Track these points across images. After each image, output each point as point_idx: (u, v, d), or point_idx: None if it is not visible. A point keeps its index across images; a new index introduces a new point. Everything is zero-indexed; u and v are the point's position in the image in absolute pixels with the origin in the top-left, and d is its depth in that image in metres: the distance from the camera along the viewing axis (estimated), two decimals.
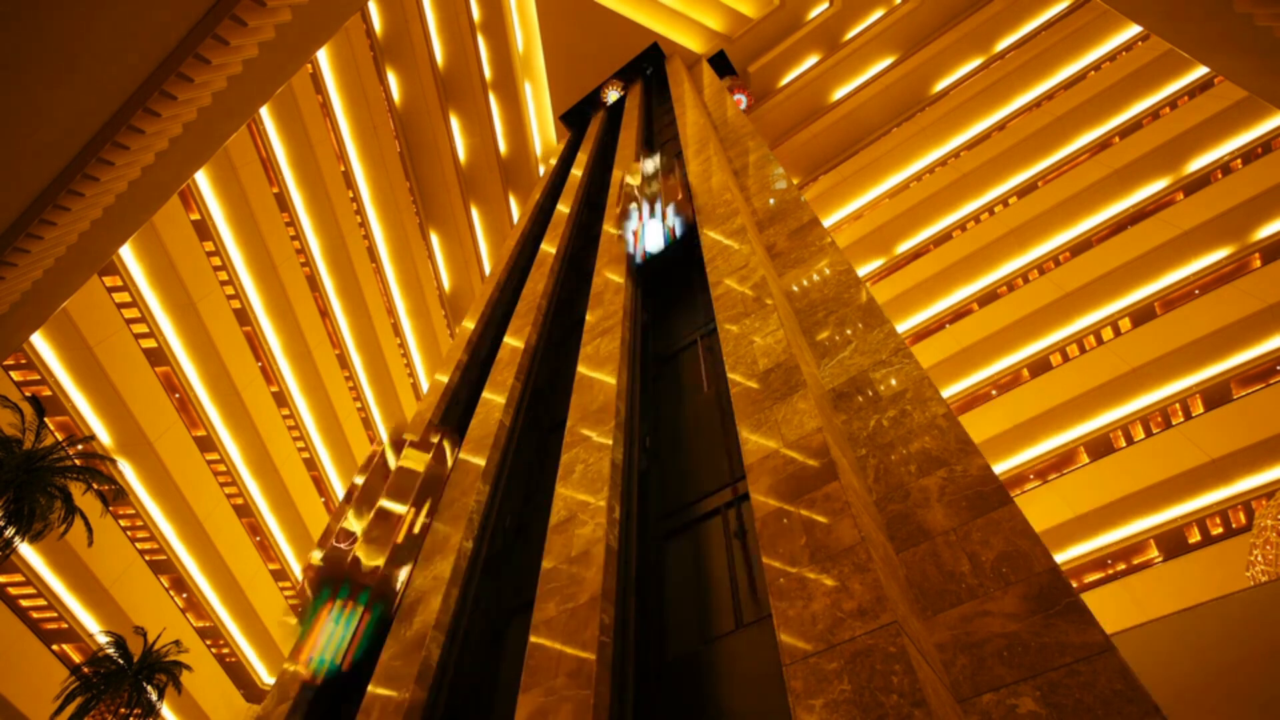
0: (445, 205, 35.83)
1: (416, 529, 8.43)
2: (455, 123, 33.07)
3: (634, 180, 12.99)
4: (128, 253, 24.13)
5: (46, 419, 20.23)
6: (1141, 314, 21.35)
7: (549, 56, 31.48)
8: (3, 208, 10.93)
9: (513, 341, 12.79)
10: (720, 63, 31.66)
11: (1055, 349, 22.53)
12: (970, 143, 27.87)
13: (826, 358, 6.90)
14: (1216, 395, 19.31)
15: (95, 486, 19.72)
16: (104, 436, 24.76)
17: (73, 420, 23.88)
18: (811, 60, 31.78)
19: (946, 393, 23.68)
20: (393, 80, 32.32)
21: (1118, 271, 21.58)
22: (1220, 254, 20.56)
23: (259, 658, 31.98)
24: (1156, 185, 22.61)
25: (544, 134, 33.89)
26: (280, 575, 33.19)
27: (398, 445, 9.86)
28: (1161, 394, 19.82)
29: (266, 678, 32.16)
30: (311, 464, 34.15)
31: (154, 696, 22.61)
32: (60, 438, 21.77)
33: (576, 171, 23.12)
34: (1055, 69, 26.52)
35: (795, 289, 8.48)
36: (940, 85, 29.76)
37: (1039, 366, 22.67)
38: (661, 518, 6.93)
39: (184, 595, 28.86)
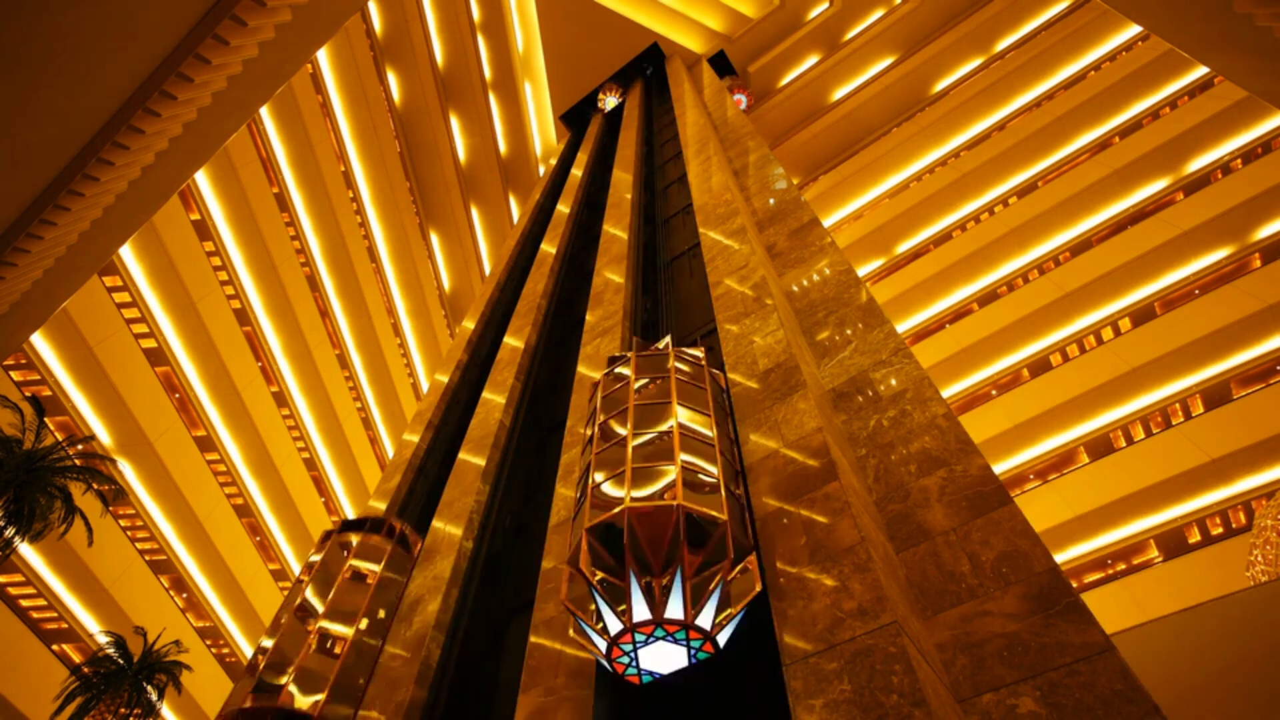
0: (445, 205, 35.82)
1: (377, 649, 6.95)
2: (455, 123, 33.07)
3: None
4: (128, 253, 24.14)
5: (46, 419, 20.23)
6: (1141, 314, 21.34)
7: (549, 56, 31.46)
8: (3, 208, 10.93)
9: (513, 341, 12.78)
10: (720, 63, 31.66)
11: (1055, 349, 22.52)
12: (970, 143, 27.86)
13: (826, 358, 6.90)
14: (1216, 395, 19.31)
15: (95, 486, 19.72)
16: (104, 436, 24.76)
17: (73, 420, 23.88)
18: (811, 60, 31.77)
19: (946, 393, 23.68)
20: (393, 80, 32.32)
21: (1118, 271, 21.58)
22: (1220, 254, 20.56)
23: None
24: (1156, 185, 22.61)
25: (544, 134, 33.88)
26: (280, 575, 33.18)
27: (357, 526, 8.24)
28: (1161, 394, 19.81)
29: None
30: (311, 464, 34.15)
31: (154, 696, 22.60)
32: (60, 438, 21.76)
33: (576, 171, 23.12)
34: (1055, 69, 26.52)
35: (795, 289, 8.47)
36: (940, 85, 29.76)
37: (1039, 366, 22.67)
38: None
39: (184, 595, 28.87)
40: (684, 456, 4.61)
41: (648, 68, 31.40)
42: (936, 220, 27.21)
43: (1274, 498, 13.62)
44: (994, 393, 23.10)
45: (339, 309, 34.13)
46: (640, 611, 3.98)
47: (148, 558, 27.06)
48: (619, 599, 4.06)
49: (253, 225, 28.13)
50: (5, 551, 18.15)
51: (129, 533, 26.42)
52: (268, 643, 5.05)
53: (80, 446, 21.01)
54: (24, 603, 23.83)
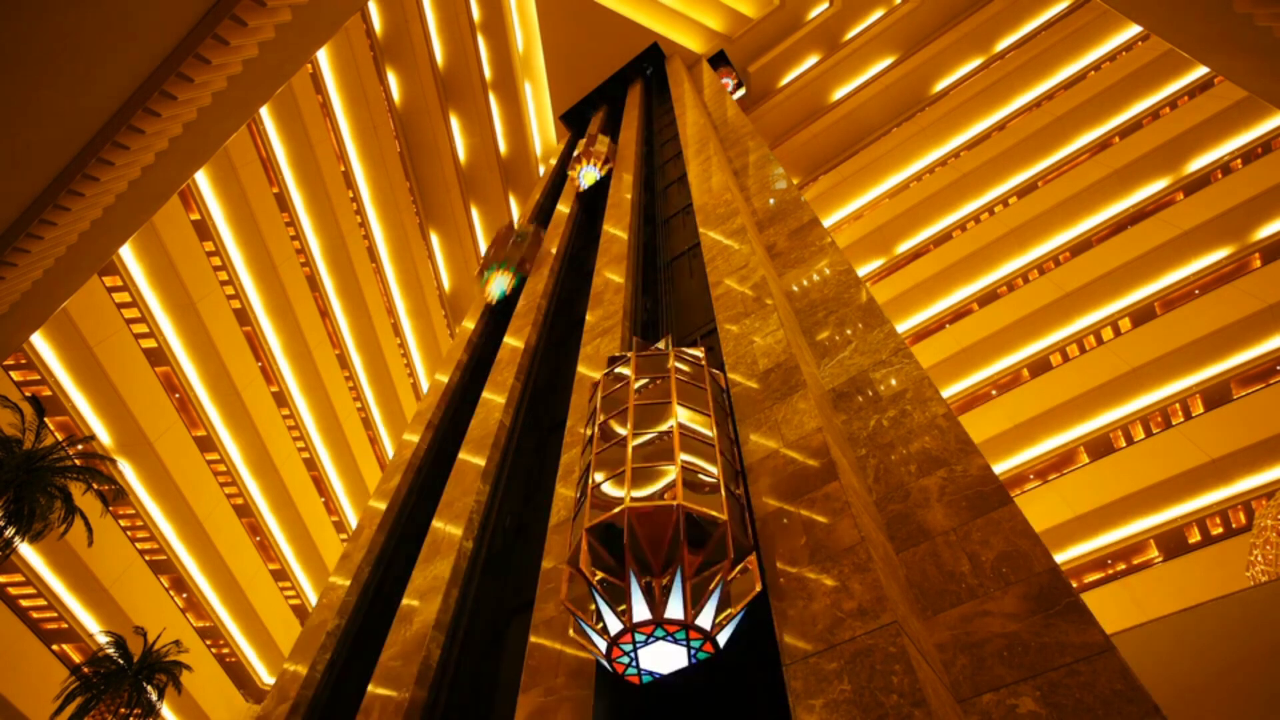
0: (445, 205, 35.82)
1: None
2: (455, 123, 33.06)
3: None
4: (128, 253, 24.14)
5: (46, 419, 20.23)
6: (1141, 314, 21.35)
7: (549, 56, 31.45)
8: (3, 208, 10.93)
9: (513, 341, 12.79)
10: (720, 63, 31.65)
11: (1055, 349, 22.53)
12: (970, 143, 27.87)
13: (826, 358, 6.90)
14: (1216, 395, 19.31)
15: (95, 486, 19.72)
16: (104, 436, 24.76)
17: (73, 420, 23.88)
18: (811, 60, 31.78)
19: (946, 393, 23.68)
20: (393, 80, 32.32)
21: (1118, 271, 21.58)
22: (1220, 254, 20.56)
23: (259, 658, 31.98)
24: (1156, 185, 22.61)
25: (544, 134, 33.87)
26: (280, 575, 33.19)
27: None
28: (1161, 394, 19.82)
29: (266, 678, 32.16)
30: (311, 464, 34.15)
31: (154, 696, 22.61)
32: (60, 438, 21.76)
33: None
34: (1055, 69, 26.52)
35: (795, 289, 8.47)
36: (940, 85, 29.76)
37: (1039, 366, 22.67)
38: None
39: (184, 595, 28.87)
40: (684, 456, 4.58)
41: (648, 68, 31.40)
42: (936, 220, 27.21)
43: (1274, 498, 13.63)
44: (994, 393, 23.11)
45: (339, 309, 34.13)
46: (640, 612, 3.98)
47: (148, 558, 27.06)
48: (619, 599, 4.06)
49: (253, 225, 28.14)
50: (5, 551, 18.16)
51: (129, 533, 26.43)
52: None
53: (80, 446, 21.01)
54: (24, 603, 23.84)
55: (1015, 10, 27.89)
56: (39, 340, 22.55)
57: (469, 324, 16.41)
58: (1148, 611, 16.61)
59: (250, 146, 27.51)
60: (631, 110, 25.29)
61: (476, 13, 29.87)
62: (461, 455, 10.05)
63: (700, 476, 4.51)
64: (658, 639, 4.05)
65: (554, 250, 16.47)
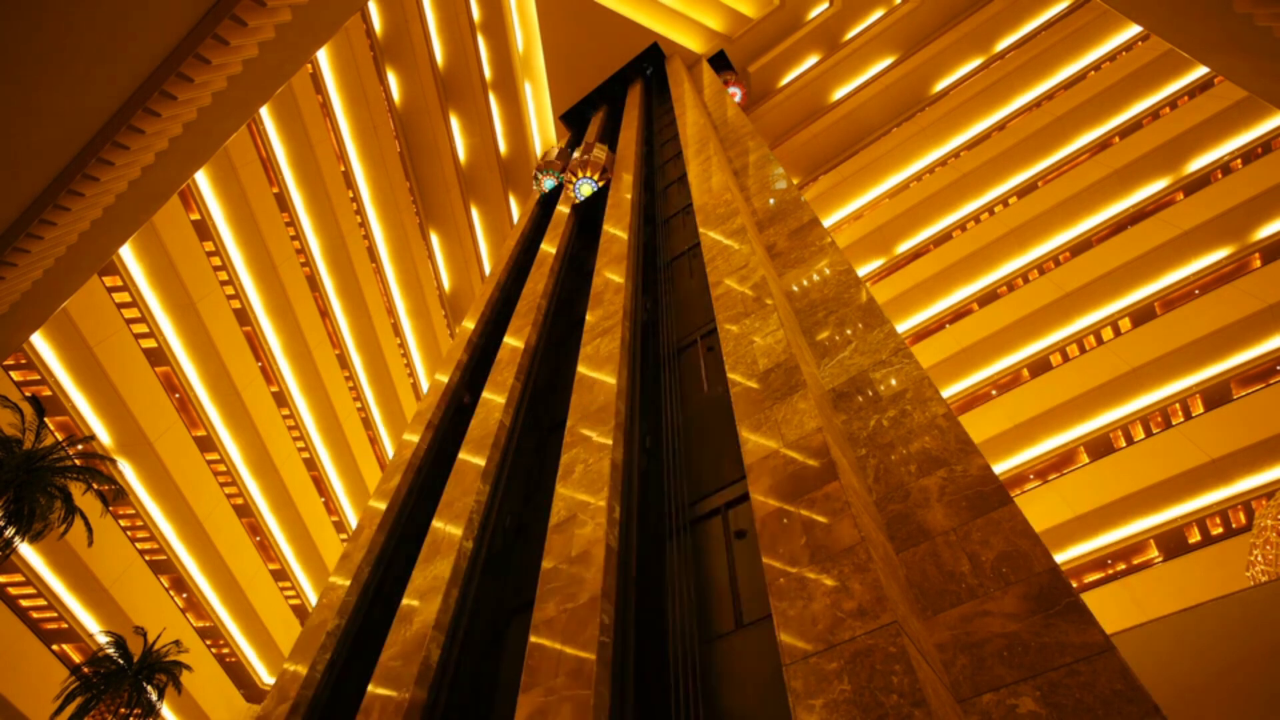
0: (445, 205, 35.82)
1: None
2: (455, 123, 33.06)
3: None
4: (128, 253, 24.14)
5: (46, 419, 20.23)
6: (1141, 314, 21.34)
7: (549, 56, 31.46)
8: (3, 207, 10.93)
9: (513, 341, 12.79)
10: (720, 63, 31.65)
11: (1055, 349, 22.52)
12: (970, 143, 27.86)
13: (826, 358, 6.90)
14: (1216, 395, 19.31)
15: (95, 486, 19.73)
16: (104, 436, 24.76)
17: (73, 420, 23.88)
18: (811, 60, 31.77)
19: (946, 393, 23.68)
20: (393, 80, 32.32)
21: (1118, 271, 21.58)
22: (1220, 254, 20.56)
23: (259, 658, 31.99)
24: (1156, 185, 22.61)
25: (544, 134, 33.88)
26: (280, 575, 33.19)
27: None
28: (1161, 394, 19.82)
29: (266, 678, 32.17)
30: (311, 464, 34.16)
31: (154, 696, 22.63)
32: (60, 438, 21.77)
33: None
34: (1055, 69, 26.52)
35: (795, 289, 8.47)
36: (940, 85, 29.76)
37: (1039, 366, 22.67)
38: (662, 517, 6.92)
39: (184, 595, 28.87)
40: None
41: (648, 68, 31.40)
42: (936, 220, 27.21)
43: (1274, 498, 13.62)
44: (994, 393, 23.10)
45: (339, 309, 34.13)
46: None
47: (148, 558, 27.06)
48: None
49: (253, 225, 28.14)
50: (5, 551, 18.16)
51: (129, 533, 26.43)
52: None
53: (80, 446, 21.02)
54: (24, 603, 23.84)
55: (1015, 10, 27.88)
56: (39, 340, 22.55)
57: (469, 324, 16.41)
58: (1148, 611, 16.60)
59: (250, 146, 27.51)
60: (631, 110, 25.30)
61: (476, 13, 29.87)
62: (461, 455, 10.05)
63: None
64: None
65: (554, 250, 16.48)
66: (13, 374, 22.92)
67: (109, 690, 21.42)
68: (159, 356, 26.01)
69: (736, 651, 4.98)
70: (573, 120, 33.41)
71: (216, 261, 27.52)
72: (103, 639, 22.78)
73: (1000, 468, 21.49)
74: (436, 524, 8.81)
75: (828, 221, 29.91)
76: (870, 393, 6.06)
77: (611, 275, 11.47)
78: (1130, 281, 21.48)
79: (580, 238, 18.27)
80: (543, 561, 6.37)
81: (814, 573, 4.17)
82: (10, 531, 17.93)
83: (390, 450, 38.95)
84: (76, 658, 24.22)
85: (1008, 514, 4.32)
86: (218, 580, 29.53)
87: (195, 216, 26.40)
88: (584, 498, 6.73)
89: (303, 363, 32.16)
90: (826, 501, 4.56)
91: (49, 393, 23.18)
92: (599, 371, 8.82)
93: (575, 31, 30.21)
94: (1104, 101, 24.46)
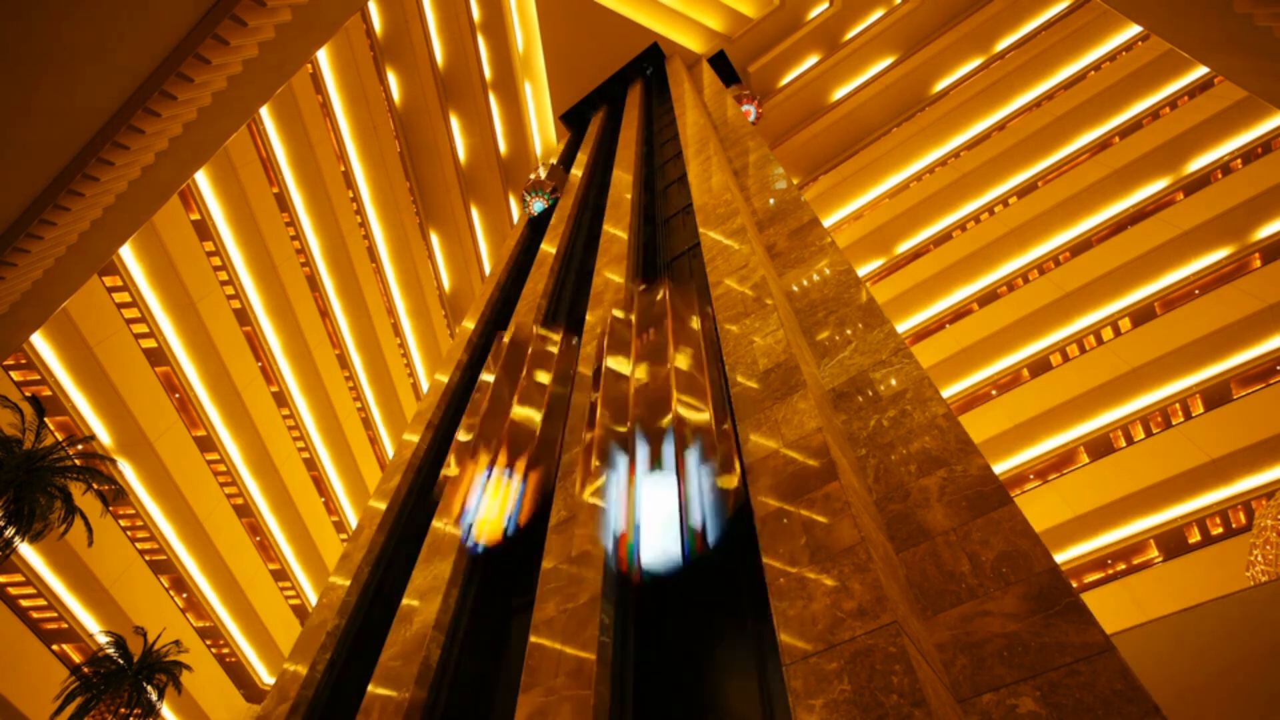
0: (445, 205, 35.83)
1: None
2: (455, 123, 33.07)
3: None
4: (128, 253, 24.14)
5: (46, 419, 20.23)
6: (1141, 314, 21.35)
7: (549, 56, 31.46)
8: (3, 208, 10.93)
9: None
10: (720, 63, 31.65)
11: (1055, 349, 22.53)
12: (970, 143, 27.87)
13: (826, 358, 6.90)
14: (1216, 395, 19.31)
15: (95, 486, 19.72)
16: (104, 436, 24.76)
17: (73, 420, 23.89)
18: (811, 60, 31.77)
19: (946, 393, 23.68)
20: (393, 80, 32.32)
21: (1118, 271, 21.58)
22: (1220, 254, 20.56)
23: (259, 658, 31.98)
24: (1156, 185, 22.61)
25: (544, 134, 33.88)
26: (280, 575, 33.19)
27: None
28: (1161, 394, 19.82)
29: (266, 678, 32.17)
30: (311, 464, 34.15)
31: (154, 696, 22.62)
32: (60, 438, 21.77)
33: (576, 171, 23.11)
34: (1055, 69, 26.52)
35: (795, 289, 8.47)
36: (940, 85, 29.76)
37: (1039, 366, 22.68)
38: None
39: (184, 595, 28.87)
40: None
41: (648, 68, 31.40)
42: (936, 220, 27.22)
43: (1274, 498, 13.62)
44: (994, 393, 23.11)
45: (339, 309, 34.14)
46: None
47: (148, 558, 27.06)
48: None
49: (253, 225, 28.14)
50: (5, 551, 18.16)
51: (129, 533, 26.43)
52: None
53: (80, 446, 21.01)
54: (24, 603, 23.84)
55: (1015, 10, 27.89)
56: (39, 340, 22.55)
57: (469, 324, 16.41)
58: (1148, 611, 16.61)
59: (250, 146, 27.51)
60: (631, 110, 25.29)
61: (476, 13, 29.88)
62: None
63: None
64: None
65: (554, 250, 16.47)
66: (13, 374, 22.92)
67: (109, 690, 21.42)
68: (159, 356, 26.01)
69: (736, 652, 4.98)
70: (573, 120, 33.40)
71: (216, 261, 27.52)
72: (103, 639, 22.79)
73: (1000, 468, 21.50)
74: (436, 524, 8.81)
75: (828, 221, 29.91)
76: (870, 393, 6.06)
77: (611, 275, 11.47)
78: (1130, 281, 21.48)
79: (580, 237, 18.26)
80: (543, 561, 6.37)
81: (814, 573, 4.17)
82: (10, 531, 17.93)
83: (390, 450, 38.95)
84: (76, 658, 24.22)
85: (1008, 514, 4.32)
86: (218, 580, 29.53)
87: (195, 216, 26.40)
88: (584, 498, 6.72)
89: (303, 363, 32.16)
90: (826, 501, 4.56)
91: (49, 393, 23.19)
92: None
93: (575, 31, 30.21)
94: (1104, 101, 24.47)
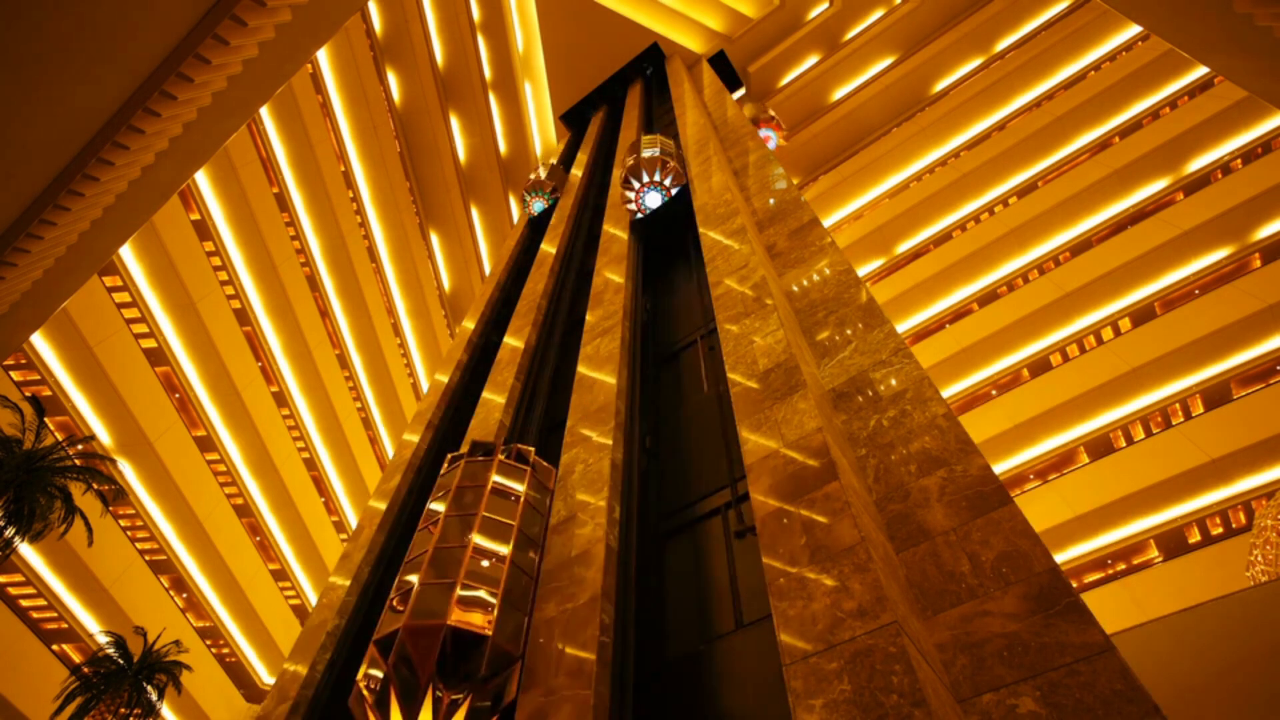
0: (445, 205, 35.83)
1: None
2: (455, 123, 33.07)
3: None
4: (128, 253, 24.13)
5: (46, 419, 20.22)
6: (1141, 314, 21.34)
7: (549, 56, 31.46)
8: (3, 208, 10.93)
9: (513, 341, 12.78)
10: (720, 63, 31.65)
11: (1055, 349, 22.52)
12: (970, 143, 27.86)
13: (826, 358, 6.90)
14: (1216, 395, 19.31)
15: (95, 486, 19.70)
16: (104, 436, 24.75)
17: (73, 420, 23.88)
18: (811, 60, 31.77)
19: (946, 393, 23.67)
20: (393, 80, 32.32)
21: (1118, 271, 21.58)
22: (1220, 254, 20.55)
23: (259, 658, 31.98)
24: (1156, 185, 22.60)
25: (544, 134, 33.88)
26: (280, 575, 33.18)
27: None
28: (1161, 394, 19.81)
29: (266, 678, 32.16)
30: (311, 464, 34.14)
31: (154, 696, 22.60)
32: (60, 438, 21.75)
33: (576, 171, 23.12)
34: (1055, 69, 26.52)
35: (795, 289, 8.47)
36: (940, 85, 29.76)
37: (1039, 366, 22.67)
38: (662, 517, 6.93)
39: (184, 595, 28.86)
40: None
41: (648, 68, 31.39)
42: (936, 220, 27.21)
43: (1274, 498, 13.61)
44: (994, 393, 23.10)
45: (339, 309, 34.12)
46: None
47: (148, 558, 27.05)
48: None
49: (253, 225, 28.13)
50: (5, 551, 18.15)
51: (129, 533, 26.42)
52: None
53: (80, 446, 21.00)
54: (24, 603, 23.83)
55: (1015, 10, 27.88)
56: (39, 340, 22.54)
57: (469, 324, 16.41)
58: (1148, 611, 16.60)
59: (250, 146, 27.50)
60: (631, 110, 25.29)
61: (476, 13, 29.88)
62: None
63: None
64: None
65: (554, 250, 16.47)
66: (13, 374, 22.91)
67: (109, 690, 21.40)
68: (159, 356, 26.00)
69: (736, 651, 4.98)
70: (573, 120, 33.39)
71: (216, 261, 27.51)
72: (103, 639, 22.76)
73: (1000, 468, 21.49)
74: None
75: (828, 221, 29.91)
76: (870, 393, 6.06)
77: (611, 275, 11.47)
78: (1130, 281, 21.47)
79: (580, 237, 18.25)
80: (543, 562, 6.37)
81: (814, 573, 4.17)
82: (10, 531, 17.91)
83: (390, 450, 38.94)
84: (76, 658, 24.20)
85: (1008, 514, 4.32)
86: (218, 580, 29.51)
87: (195, 216, 26.39)
88: (584, 498, 6.73)
89: (303, 363, 32.15)
90: (826, 501, 4.56)
91: (49, 393, 23.18)
92: (599, 371, 8.83)
93: (575, 31, 30.21)
94: (1104, 101, 24.46)
